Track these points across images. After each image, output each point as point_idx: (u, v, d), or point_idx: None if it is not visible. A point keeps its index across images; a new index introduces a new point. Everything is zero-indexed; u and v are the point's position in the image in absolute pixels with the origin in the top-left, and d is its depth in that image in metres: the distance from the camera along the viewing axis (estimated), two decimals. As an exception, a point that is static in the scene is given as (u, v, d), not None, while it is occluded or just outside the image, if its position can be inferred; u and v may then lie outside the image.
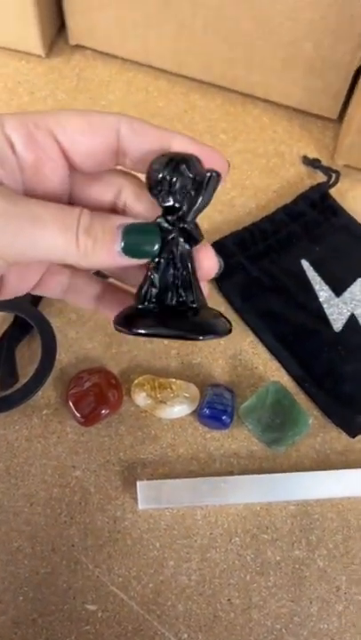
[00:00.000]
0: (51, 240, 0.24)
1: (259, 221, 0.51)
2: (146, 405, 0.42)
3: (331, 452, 0.43)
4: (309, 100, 0.57)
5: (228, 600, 0.38)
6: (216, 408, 0.41)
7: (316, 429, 0.43)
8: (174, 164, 0.24)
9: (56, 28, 0.62)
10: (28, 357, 0.45)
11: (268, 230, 0.50)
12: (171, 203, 0.25)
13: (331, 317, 0.47)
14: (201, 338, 0.26)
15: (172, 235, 0.25)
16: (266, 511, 0.41)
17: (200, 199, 0.25)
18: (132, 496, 0.40)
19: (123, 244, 0.24)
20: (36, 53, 0.61)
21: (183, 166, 0.24)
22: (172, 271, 0.26)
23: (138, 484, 0.40)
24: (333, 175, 0.54)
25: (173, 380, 0.43)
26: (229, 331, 0.27)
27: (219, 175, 0.25)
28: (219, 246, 0.49)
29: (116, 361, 0.45)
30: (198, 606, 0.38)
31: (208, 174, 0.25)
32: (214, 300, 0.48)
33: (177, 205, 0.25)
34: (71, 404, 0.42)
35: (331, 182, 0.54)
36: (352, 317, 0.47)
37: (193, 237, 0.26)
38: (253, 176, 0.55)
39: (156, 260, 0.25)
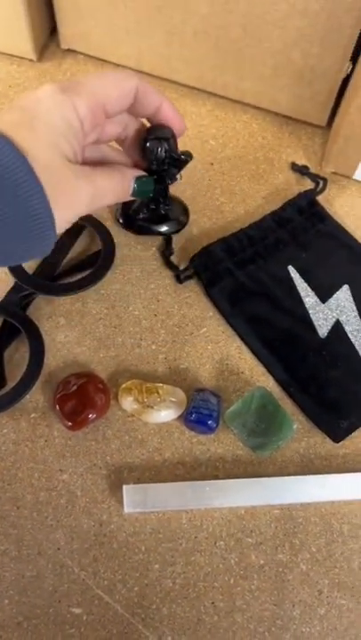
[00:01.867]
0: (109, 202, 0.38)
1: (246, 228, 0.51)
2: (133, 410, 0.43)
3: (315, 456, 0.43)
4: (298, 107, 0.58)
5: (212, 603, 0.38)
6: (202, 413, 0.41)
7: (301, 434, 0.44)
8: (161, 142, 0.42)
9: (48, 32, 0.62)
10: (15, 361, 0.45)
11: (256, 236, 0.50)
12: (155, 167, 0.43)
13: (316, 323, 0.47)
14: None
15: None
16: (250, 515, 0.41)
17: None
18: (118, 500, 0.41)
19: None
20: (28, 57, 0.61)
21: (165, 145, 0.42)
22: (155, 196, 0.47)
23: (124, 487, 0.40)
24: (321, 182, 0.55)
25: (160, 384, 0.44)
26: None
27: (190, 157, 0.45)
28: (207, 253, 0.49)
29: (104, 365, 0.46)
30: (182, 609, 0.38)
31: (183, 157, 0.44)
32: (203, 305, 0.49)
33: (163, 168, 0.44)
34: (58, 407, 0.42)
35: (318, 189, 0.54)
36: (337, 323, 0.47)
37: (169, 178, 0.46)
38: (242, 182, 0.56)
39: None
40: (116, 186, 0.39)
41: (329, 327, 0.47)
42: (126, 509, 0.40)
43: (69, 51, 0.63)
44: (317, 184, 0.55)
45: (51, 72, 0.62)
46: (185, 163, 0.46)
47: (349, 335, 0.47)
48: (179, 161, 0.45)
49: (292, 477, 0.42)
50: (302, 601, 0.39)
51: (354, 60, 0.51)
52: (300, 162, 0.57)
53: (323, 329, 0.47)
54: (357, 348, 0.46)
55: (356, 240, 0.52)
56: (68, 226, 0.34)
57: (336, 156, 0.55)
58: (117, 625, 0.37)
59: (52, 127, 0.32)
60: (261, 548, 0.40)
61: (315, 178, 0.55)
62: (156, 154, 0.43)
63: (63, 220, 0.33)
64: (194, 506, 0.40)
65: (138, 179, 0.41)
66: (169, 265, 0.50)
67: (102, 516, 0.40)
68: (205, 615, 0.38)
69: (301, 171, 0.56)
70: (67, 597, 0.38)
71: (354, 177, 0.56)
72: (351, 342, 0.47)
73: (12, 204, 0.30)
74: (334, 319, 0.48)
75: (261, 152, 0.58)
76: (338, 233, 0.52)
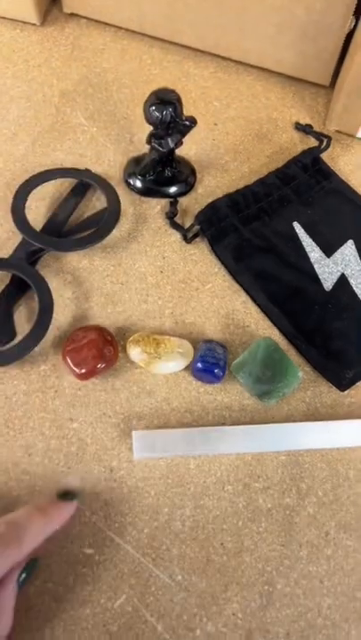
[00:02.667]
0: None
1: (251, 184, 0.51)
2: (140, 360, 0.43)
3: (321, 405, 0.44)
4: (302, 66, 0.58)
5: (221, 544, 0.39)
6: (208, 362, 0.42)
7: (307, 384, 0.45)
8: (166, 106, 0.44)
9: (50, -5, 0.62)
10: (25, 316, 0.46)
11: (260, 193, 0.51)
12: (160, 131, 0.47)
13: (321, 277, 0.48)
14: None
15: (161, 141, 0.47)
16: (257, 461, 0.42)
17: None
18: (128, 447, 0.41)
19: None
20: (31, 22, 0.62)
21: (170, 109, 0.44)
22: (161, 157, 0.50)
23: (133, 433, 0.41)
24: (325, 140, 0.55)
25: (167, 336, 0.44)
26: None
27: (194, 123, 0.46)
28: (212, 208, 0.50)
29: (112, 320, 0.46)
30: (192, 550, 0.39)
31: (188, 122, 0.46)
32: (208, 261, 0.49)
33: (168, 132, 0.47)
34: (68, 359, 0.43)
35: (322, 147, 0.54)
36: (342, 277, 0.48)
37: (174, 143, 0.48)
38: (246, 141, 0.56)
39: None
40: None
41: (334, 280, 0.48)
42: (135, 455, 0.41)
43: (72, 15, 0.63)
44: (321, 142, 0.55)
45: (54, 36, 0.62)
46: (189, 128, 0.46)
47: (354, 288, 0.47)
48: (183, 126, 0.46)
49: (299, 424, 0.42)
50: (309, 542, 0.40)
51: (357, 14, 0.51)
52: (304, 122, 0.58)
53: (328, 282, 0.48)
54: None
55: (360, 196, 0.52)
56: None
57: (340, 114, 0.55)
58: (128, 564, 0.38)
59: None
60: (269, 493, 0.41)
61: (318, 136, 0.55)
62: (161, 118, 0.44)
63: None
64: (201, 451, 0.41)
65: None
66: (174, 226, 0.50)
67: (112, 462, 0.41)
68: (215, 555, 0.39)
69: (305, 129, 0.56)
70: (79, 539, 0.39)
71: (358, 135, 0.56)
72: (356, 294, 0.47)
73: None
74: (339, 273, 0.48)
75: (265, 112, 0.58)
76: (342, 189, 0.52)
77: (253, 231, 0.49)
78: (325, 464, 0.42)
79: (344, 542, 0.40)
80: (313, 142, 0.56)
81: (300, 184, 0.52)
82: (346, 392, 0.44)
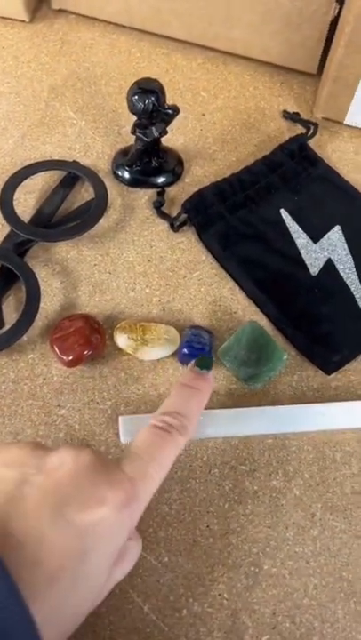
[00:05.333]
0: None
1: (238, 172, 0.52)
2: (127, 347, 0.44)
3: (307, 389, 0.44)
4: (289, 54, 0.58)
5: (207, 527, 0.40)
6: (194, 347, 0.42)
7: (293, 368, 0.45)
8: (148, 95, 0.45)
9: (38, -8, 0.63)
10: (13, 306, 0.46)
11: (247, 180, 0.51)
12: (143, 120, 0.47)
13: (308, 262, 0.48)
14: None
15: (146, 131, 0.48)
16: (244, 444, 0.42)
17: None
18: (115, 432, 0.42)
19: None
20: (20, 19, 0.62)
21: (153, 98, 0.45)
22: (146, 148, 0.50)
23: (120, 418, 0.41)
24: (312, 127, 0.55)
25: (154, 323, 0.45)
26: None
27: (177, 111, 0.47)
28: (199, 197, 0.50)
29: (100, 309, 0.47)
30: (178, 532, 0.39)
31: (170, 110, 0.47)
32: (196, 249, 0.50)
33: (152, 121, 0.48)
34: (55, 347, 0.43)
35: (309, 134, 0.54)
36: (329, 262, 0.48)
37: (158, 132, 0.48)
38: (234, 131, 0.56)
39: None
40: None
41: (320, 265, 0.48)
42: (122, 439, 0.41)
43: (61, 11, 0.64)
44: (308, 129, 0.55)
45: (43, 32, 0.62)
46: (172, 117, 0.47)
47: (341, 272, 0.47)
48: (166, 114, 0.46)
49: (285, 406, 0.43)
50: (296, 523, 0.40)
51: (340, 1, 0.51)
52: (292, 110, 0.58)
53: (314, 267, 0.48)
54: (349, 284, 0.47)
55: (347, 182, 0.52)
56: None
57: (326, 101, 0.55)
58: (116, 547, 0.39)
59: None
60: (255, 475, 0.41)
61: (306, 123, 0.55)
62: (144, 106, 0.44)
63: None
64: (188, 435, 0.41)
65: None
66: (161, 215, 0.51)
67: (100, 447, 0.42)
68: (201, 537, 0.39)
69: (293, 117, 0.56)
70: (67, 522, 0.39)
71: (345, 122, 0.56)
72: (343, 279, 0.47)
73: None
74: (326, 258, 0.48)
75: (253, 102, 0.59)
76: (330, 176, 0.53)
77: (240, 219, 0.49)
78: (312, 447, 0.42)
79: (330, 523, 0.40)
80: (301, 130, 0.56)
81: (286, 171, 0.52)
82: (332, 376, 0.45)
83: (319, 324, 0.45)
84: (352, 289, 0.47)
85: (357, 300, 0.46)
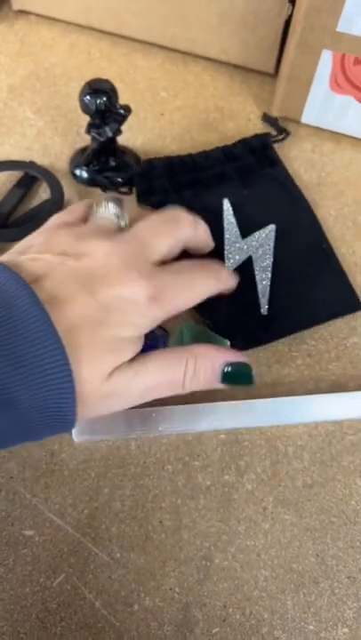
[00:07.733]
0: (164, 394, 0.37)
1: (195, 154, 0.52)
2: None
3: (261, 384, 0.45)
4: (246, 55, 0.59)
5: (160, 522, 0.40)
6: (146, 342, 0.43)
7: (247, 364, 0.45)
8: (99, 95, 0.46)
9: (-3, -7, 0.63)
10: None
11: (201, 164, 0.51)
12: (96, 121, 0.48)
13: (227, 256, 0.47)
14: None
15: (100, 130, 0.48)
16: (197, 440, 0.42)
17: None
18: (69, 432, 0.42)
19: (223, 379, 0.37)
20: (-20, 20, 0.62)
21: (104, 98, 0.46)
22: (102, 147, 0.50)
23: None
24: (284, 134, 0.55)
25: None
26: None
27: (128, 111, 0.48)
28: (148, 166, 0.51)
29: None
30: (131, 529, 0.40)
31: (122, 111, 0.48)
32: (132, 209, 0.50)
33: (105, 122, 0.48)
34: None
35: (278, 137, 0.55)
36: (248, 260, 0.47)
37: (112, 132, 0.48)
38: (193, 130, 0.57)
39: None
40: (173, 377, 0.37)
41: (239, 262, 0.47)
42: (75, 438, 0.41)
43: (21, 12, 0.64)
44: (280, 132, 0.55)
45: (3, 33, 0.62)
46: (125, 117, 0.47)
47: (255, 272, 0.47)
48: (118, 114, 0.47)
49: (238, 402, 0.43)
50: (247, 517, 0.40)
51: (293, 1, 0.52)
52: (251, 109, 0.58)
53: (230, 262, 0.47)
54: (257, 281, 0.47)
55: (298, 190, 0.52)
56: None
57: (282, 100, 0.56)
58: (68, 544, 0.39)
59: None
60: (208, 471, 0.42)
61: (281, 129, 0.56)
62: (96, 107, 0.45)
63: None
64: (141, 432, 0.42)
65: (230, 367, 0.37)
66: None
67: (54, 446, 0.42)
68: (153, 533, 0.39)
69: (270, 121, 0.57)
70: (19, 521, 0.39)
71: (302, 121, 0.57)
72: (254, 278, 0.47)
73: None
74: (247, 255, 0.48)
75: (212, 101, 0.59)
76: (283, 179, 0.52)
77: (183, 198, 0.49)
78: (265, 441, 0.43)
79: (281, 516, 0.40)
80: (259, 130, 0.57)
81: (243, 164, 0.52)
82: (286, 371, 0.45)
83: (227, 320, 0.45)
84: (258, 288, 0.47)
85: (260, 300, 0.46)
